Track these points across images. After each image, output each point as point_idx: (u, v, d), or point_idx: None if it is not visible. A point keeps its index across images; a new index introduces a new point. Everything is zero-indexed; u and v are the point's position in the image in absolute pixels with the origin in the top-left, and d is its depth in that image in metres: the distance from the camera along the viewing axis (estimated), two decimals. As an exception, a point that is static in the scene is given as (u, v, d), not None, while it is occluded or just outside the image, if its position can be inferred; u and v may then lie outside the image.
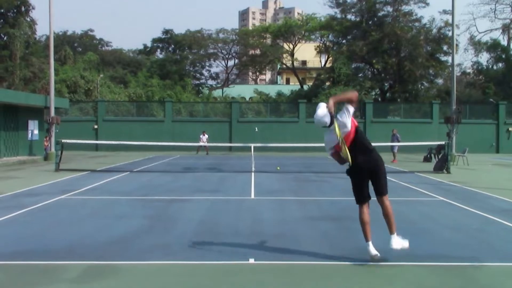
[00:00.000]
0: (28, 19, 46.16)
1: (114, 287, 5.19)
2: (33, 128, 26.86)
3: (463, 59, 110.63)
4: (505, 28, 56.47)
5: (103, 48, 68.57)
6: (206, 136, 32.79)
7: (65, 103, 30.92)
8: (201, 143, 31.25)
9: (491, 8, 56.63)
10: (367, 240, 6.10)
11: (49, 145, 26.09)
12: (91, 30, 68.32)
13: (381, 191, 6.07)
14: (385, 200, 6.08)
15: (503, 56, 55.10)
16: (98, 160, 25.30)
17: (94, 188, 13.65)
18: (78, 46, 65.84)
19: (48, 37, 26.72)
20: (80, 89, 45.55)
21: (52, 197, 11.59)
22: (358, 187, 6.12)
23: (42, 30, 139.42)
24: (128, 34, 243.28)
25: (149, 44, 69.29)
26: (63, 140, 19.80)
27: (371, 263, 6.13)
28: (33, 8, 46.08)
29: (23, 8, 45.01)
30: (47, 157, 25.04)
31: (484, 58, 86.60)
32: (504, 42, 56.62)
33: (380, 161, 6.11)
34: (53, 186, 14.04)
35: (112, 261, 6.13)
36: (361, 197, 6.12)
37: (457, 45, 43.97)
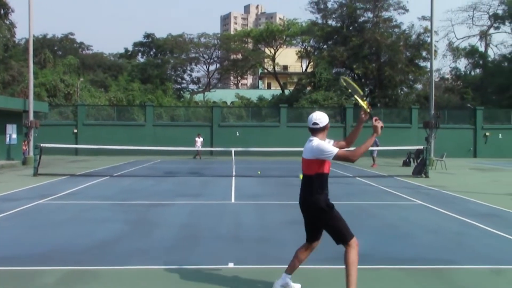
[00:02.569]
0: (7, 22, 45.43)
1: (93, 292, 5.16)
2: (12, 132, 26.48)
3: (442, 64, 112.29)
4: (483, 35, 57.53)
5: (84, 51, 67.88)
6: (201, 139, 32.78)
7: (44, 107, 30.55)
8: (196, 147, 31.19)
9: (469, 15, 57.69)
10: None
11: (27, 149, 25.77)
12: (72, 34, 67.53)
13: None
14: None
15: (481, 62, 56.10)
16: (78, 165, 25.04)
17: (74, 192, 13.52)
18: (58, 50, 65.10)
19: (27, 40, 26.40)
20: (59, 93, 45.01)
21: (31, 202, 11.45)
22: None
23: (21, 33, 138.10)
24: (109, 37, 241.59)
25: (130, 48, 68.83)
26: (42, 144, 19.56)
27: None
28: (13, 11, 45.35)
29: (2, 11, 44.34)
30: (26, 161, 24.70)
31: (462, 64, 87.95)
32: (481, 48, 57.71)
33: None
34: (31, 190, 13.86)
35: (91, 266, 6.09)
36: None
37: (436, 51, 44.74)
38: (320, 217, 4.85)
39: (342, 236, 4.82)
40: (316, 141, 4.77)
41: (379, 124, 4.72)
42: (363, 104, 5.01)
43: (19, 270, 5.91)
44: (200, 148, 30.88)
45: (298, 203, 5.02)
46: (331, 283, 5.60)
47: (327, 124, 4.90)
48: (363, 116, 4.94)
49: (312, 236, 5.11)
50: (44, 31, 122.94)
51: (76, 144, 34.23)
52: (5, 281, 5.52)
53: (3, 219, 9.34)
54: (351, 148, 4.83)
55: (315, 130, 4.88)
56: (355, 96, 5.17)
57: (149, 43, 66.40)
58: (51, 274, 5.73)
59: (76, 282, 5.48)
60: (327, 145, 4.70)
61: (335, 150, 4.63)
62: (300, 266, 6.11)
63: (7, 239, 7.64)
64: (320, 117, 4.90)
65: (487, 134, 38.31)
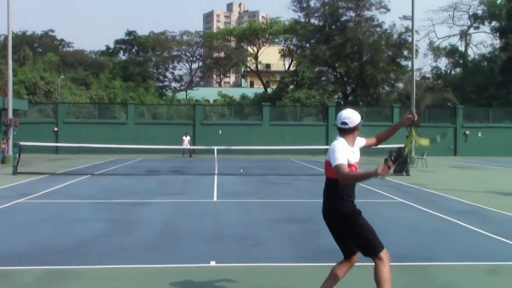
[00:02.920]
0: (-15, 18, 44.75)
1: (72, 292, 5.10)
2: (-10, 130, 26.06)
3: (423, 64, 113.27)
4: (463, 34, 58.27)
5: (64, 49, 67.06)
6: (188, 137, 32.86)
7: (23, 104, 30.14)
8: (184, 145, 31.27)
9: (449, 15, 58.37)
10: None
11: (6, 147, 25.37)
12: (52, 31, 66.68)
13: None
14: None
15: (461, 61, 56.84)
16: (58, 163, 24.75)
17: (54, 191, 13.36)
18: (38, 47, 64.24)
19: (6, 37, 26.01)
20: (39, 90, 44.43)
21: (9, 201, 11.28)
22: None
23: (0, 29, 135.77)
24: (90, 35, 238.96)
25: (111, 46, 68.27)
26: (21, 143, 19.30)
27: (332, 264, 6.20)
28: (-9, 7, 44.77)
29: (-20, 7, 43.63)
30: (5, 160, 24.33)
31: (443, 63, 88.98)
32: (462, 48, 58.45)
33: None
34: (10, 189, 13.67)
35: (71, 265, 6.02)
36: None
37: (417, 50, 45.23)
38: (346, 226, 4.21)
39: (371, 246, 4.23)
40: (335, 143, 4.16)
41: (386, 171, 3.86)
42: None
43: (-4, 270, 5.82)
44: (188, 147, 30.93)
45: (322, 212, 4.34)
46: (307, 280, 5.62)
47: (358, 124, 4.23)
48: (410, 119, 4.65)
49: (347, 250, 4.40)
50: (24, 27, 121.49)
51: (57, 142, 33.84)
52: (-18, 281, 5.44)
53: (-20, 218, 9.19)
54: (354, 152, 4.23)
55: (344, 131, 4.21)
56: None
57: (131, 41, 65.89)
58: (30, 274, 5.66)
59: (55, 281, 5.42)
60: (340, 152, 4.02)
61: (339, 161, 3.95)
62: (274, 264, 6.13)
63: (-15, 239, 7.52)
64: (350, 116, 4.21)
65: (467, 132, 38.84)
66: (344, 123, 4.20)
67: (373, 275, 4.21)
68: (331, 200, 4.24)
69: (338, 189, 4.18)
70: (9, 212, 9.94)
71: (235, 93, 63.62)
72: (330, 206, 4.24)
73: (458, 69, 58.16)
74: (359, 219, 4.25)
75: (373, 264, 4.25)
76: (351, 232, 4.22)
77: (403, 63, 49.47)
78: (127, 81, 54.75)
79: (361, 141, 4.42)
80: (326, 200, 4.29)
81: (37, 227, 8.51)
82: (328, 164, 4.17)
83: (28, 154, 24.46)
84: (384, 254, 4.23)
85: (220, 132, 36.66)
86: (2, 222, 8.94)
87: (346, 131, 4.20)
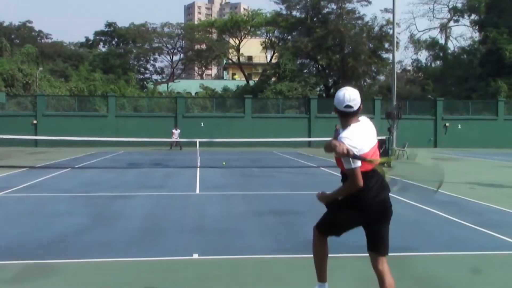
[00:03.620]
0: (-39, 9, 43.82)
1: (54, 287, 5.04)
2: (-33, 123, 25.60)
3: (404, 56, 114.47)
4: (443, 27, 58.87)
5: (43, 40, 66.04)
6: (179, 130, 32.73)
7: (1, 97, 29.66)
8: (173, 138, 31.17)
9: (429, 8, 59.16)
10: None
11: (-16, 141, 24.98)
12: (30, 22, 65.54)
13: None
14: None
15: (441, 54, 57.46)
16: (37, 157, 24.42)
17: (33, 185, 13.18)
18: (16, 38, 63.12)
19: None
20: (17, 82, 43.68)
21: (-12, 195, 11.11)
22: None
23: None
24: (69, 26, 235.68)
25: (91, 37, 67.43)
26: (-1, 136, 19.00)
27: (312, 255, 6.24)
28: (-34, -3, 43.79)
29: (-45, -3, 42.64)
30: (-17, 153, 23.94)
31: (424, 56, 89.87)
32: (442, 40, 59.07)
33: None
34: (-12, 183, 13.45)
35: (51, 259, 5.95)
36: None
37: (398, 43, 45.56)
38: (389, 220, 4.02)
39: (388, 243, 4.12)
40: (343, 134, 3.78)
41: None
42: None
43: (-25, 265, 5.73)
44: (178, 139, 30.84)
45: (390, 205, 4.00)
46: (289, 271, 5.64)
47: (361, 104, 3.83)
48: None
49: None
50: (0, 18, 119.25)
51: (36, 135, 33.38)
52: (-40, 277, 5.34)
53: (-42, 213, 9.03)
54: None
55: (348, 115, 3.77)
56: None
57: (111, 32, 65.16)
58: (9, 269, 5.58)
59: (35, 276, 5.35)
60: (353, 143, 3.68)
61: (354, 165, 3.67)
62: (256, 256, 6.13)
63: (-37, 234, 7.39)
64: (356, 97, 3.77)
65: (447, 124, 39.32)
66: (348, 106, 3.73)
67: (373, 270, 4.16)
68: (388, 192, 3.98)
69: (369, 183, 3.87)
70: (-13, 206, 9.78)
71: (217, 86, 63.41)
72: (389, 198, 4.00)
73: (438, 62, 58.81)
74: None
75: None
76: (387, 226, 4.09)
77: (384, 55, 49.85)
78: (108, 73, 54.16)
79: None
80: (388, 192, 3.97)
81: (16, 221, 8.39)
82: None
83: (6, 148, 24.11)
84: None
85: (202, 125, 36.54)
86: (-19, 217, 8.79)
87: (351, 115, 3.76)
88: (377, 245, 4.00)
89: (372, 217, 3.88)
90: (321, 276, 4.33)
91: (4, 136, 19.80)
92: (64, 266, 5.73)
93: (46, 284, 5.12)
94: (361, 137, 3.71)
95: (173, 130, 32.82)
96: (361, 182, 3.66)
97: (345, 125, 3.78)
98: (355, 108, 3.75)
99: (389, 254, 6.13)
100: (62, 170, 17.58)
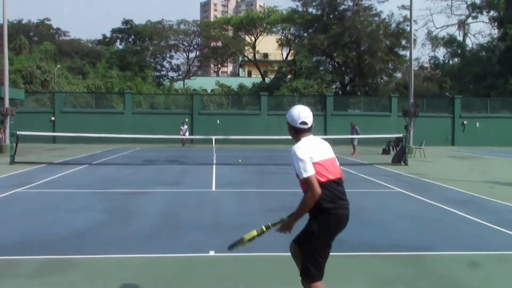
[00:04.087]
0: (-19, 7, 44.41)
1: (71, 282, 5.09)
2: (-13, 120, 25.95)
3: (421, 53, 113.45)
4: (461, 24, 58.16)
5: (60, 38, 66.68)
6: (186, 126, 32.86)
7: (20, 94, 30.04)
8: (182, 135, 31.33)
9: (447, 4, 58.47)
10: None
11: (3, 137, 25.27)
12: (48, 19, 66.27)
13: None
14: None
15: (459, 51, 56.75)
16: (55, 153, 24.70)
17: (51, 181, 13.33)
18: (34, 36, 63.83)
19: (1, 26, 25.80)
20: (36, 79, 44.22)
21: (7, 190, 11.25)
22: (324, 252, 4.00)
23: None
24: (87, 24, 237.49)
25: (108, 35, 67.91)
26: (18, 132, 19.22)
27: (330, 254, 6.21)
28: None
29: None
30: (2, 149, 24.24)
31: (441, 53, 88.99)
32: (460, 37, 58.36)
33: None
34: (8, 179, 13.63)
35: (69, 255, 6.01)
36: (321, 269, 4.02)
37: (415, 40, 45.04)
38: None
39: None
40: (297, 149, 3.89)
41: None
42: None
43: (-6, 260, 5.81)
44: (185, 136, 30.99)
45: (346, 217, 3.94)
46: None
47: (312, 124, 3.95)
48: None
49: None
50: (19, 16, 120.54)
51: (54, 132, 33.74)
52: (-20, 271, 5.42)
53: (-22, 208, 9.16)
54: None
55: (303, 131, 3.90)
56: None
57: (128, 30, 65.53)
58: (27, 264, 5.65)
59: (53, 271, 5.41)
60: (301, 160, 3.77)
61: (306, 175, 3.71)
62: (272, 254, 6.13)
63: (-17, 229, 7.50)
64: (309, 114, 3.91)
65: (465, 122, 38.85)
66: (303, 122, 3.86)
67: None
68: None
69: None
70: (7, 202, 9.92)
71: (233, 83, 63.41)
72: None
73: (456, 59, 58.09)
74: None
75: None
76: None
77: (401, 52, 49.38)
78: (124, 71, 54.49)
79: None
80: (347, 204, 3.94)
81: (35, 217, 8.49)
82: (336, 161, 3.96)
83: (25, 144, 24.39)
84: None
85: (218, 122, 36.60)
86: (1, 211, 8.91)
87: (304, 131, 3.88)
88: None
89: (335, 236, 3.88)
90: None
91: (23, 133, 20.02)
92: (81, 261, 5.79)
93: (63, 279, 5.17)
94: (313, 147, 3.79)
95: (181, 127, 32.86)
96: (319, 189, 3.64)
97: (297, 140, 3.88)
98: (309, 124, 3.87)
99: (408, 253, 6.08)
100: (80, 166, 17.75)
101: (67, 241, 6.74)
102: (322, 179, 3.70)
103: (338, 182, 3.82)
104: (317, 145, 3.85)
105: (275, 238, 7.01)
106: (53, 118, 36.00)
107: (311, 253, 3.83)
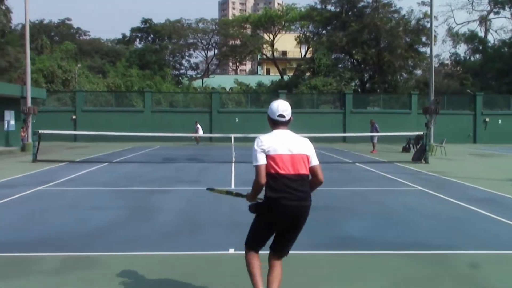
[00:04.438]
0: (3, 7, 45.09)
1: (92, 279, 5.14)
2: (10, 119, 26.39)
3: (441, 50, 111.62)
4: (482, 20, 57.22)
5: (81, 37, 67.50)
6: (198, 125, 33.05)
7: (42, 93, 30.43)
8: (197, 133, 31.52)
9: (468, 0, 57.37)
10: None
11: (26, 135, 25.71)
12: (68, 19, 67.14)
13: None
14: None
15: (480, 47, 55.86)
16: (76, 151, 24.99)
17: (72, 179, 13.49)
18: (55, 35, 64.71)
19: (24, 26, 26.20)
20: (57, 79, 44.81)
21: (29, 188, 11.42)
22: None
23: (17, 18, 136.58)
24: (106, 23, 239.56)
25: (127, 34, 68.49)
26: (40, 131, 19.50)
27: (349, 252, 6.18)
28: (8, -4, 45.08)
29: (-3, -4, 43.96)
30: (24, 148, 24.64)
31: (462, 49, 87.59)
32: (481, 33, 57.42)
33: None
34: (30, 177, 13.84)
35: (90, 252, 6.07)
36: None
37: (435, 36, 44.46)
38: (303, 223, 4.26)
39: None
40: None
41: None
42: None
43: (18, 256, 5.90)
44: (200, 134, 31.09)
45: (301, 209, 4.17)
46: (326, 268, 5.59)
47: (291, 117, 4.29)
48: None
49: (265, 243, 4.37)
50: (41, 16, 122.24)
51: (75, 130, 34.14)
52: (4, 266, 5.51)
53: (2, 205, 9.32)
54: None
55: (281, 124, 4.22)
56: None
57: (147, 29, 66.02)
58: (48, 261, 5.72)
59: (74, 268, 5.47)
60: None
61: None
62: (292, 252, 6.12)
63: (7, 225, 7.62)
64: (287, 108, 4.25)
65: (487, 119, 38.27)
66: (281, 115, 4.17)
67: (274, 271, 4.28)
68: (310, 196, 4.21)
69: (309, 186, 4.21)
70: (29, 199, 10.07)
71: (251, 81, 63.44)
72: (310, 202, 4.21)
73: (477, 55, 57.20)
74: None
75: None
76: (300, 230, 4.27)
77: (421, 49, 48.81)
78: (144, 69, 54.93)
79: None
80: (308, 196, 4.19)
81: (56, 214, 8.60)
82: (306, 159, 4.13)
83: (47, 142, 24.74)
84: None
85: (237, 120, 36.64)
86: (23, 209, 9.05)
87: (282, 124, 4.19)
88: (283, 249, 4.30)
89: (283, 223, 4.12)
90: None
91: (45, 131, 20.30)
92: (102, 258, 5.84)
93: (84, 276, 5.22)
94: (274, 142, 4.05)
95: (198, 125, 32.98)
96: (262, 179, 4.01)
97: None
98: (287, 118, 4.20)
99: (430, 252, 6.01)
100: (101, 164, 17.93)
101: (88, 238, 6.81)
102: (272, 171, 4.00)
103: (290, 178, 3.99)
104: (281, 140, 4.08)
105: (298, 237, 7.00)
106: (74, 117, 36.43)
107: (253, 224, 4.29)
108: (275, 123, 4.20)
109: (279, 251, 4.28)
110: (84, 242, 6.57)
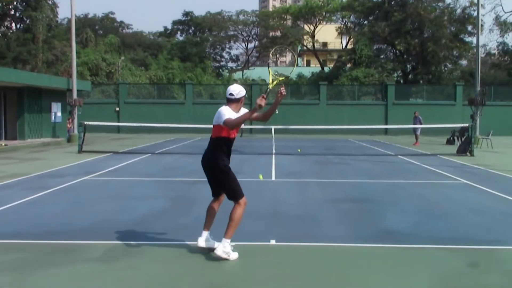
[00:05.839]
0: (50, 2, 46.38)
1: (137, 267, 5.24)
2: (56, 111, 27.18)
3: (488, 39, 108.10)
4: (533, 8, 54.95)
5: (124, 30, 68.67)
6: None
7: (87, 85, 31.19)
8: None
9: (518, -13, 55.14)
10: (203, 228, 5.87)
11: (72, 127, 26.45)
12: (112, 13, 68.37)
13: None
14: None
15: (530, 36, 53.74)
16: (120, 142, 25.54)
17: (117, 169, 13.79)
18: (99, 29, 66.07)
19: (69, 20, 26.86)
20: (101, 71, 45.85)
21: (76, 178, 11.74)
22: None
23: (63, 13, 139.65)
24: (149, 16, 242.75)
25: (169, 27, 69.21)
26: (85, 122, 20.01)
27: (393, 245, 6.09)
28: (55, -9, 46.27)
29: (44, -9, 45.22)
30: (70, 139, 25.38)
31: (510, 38, 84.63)
32: (531, 22, 55.18)
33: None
34: (76, 167, 14.22)
35: (134, 241, 6.19)
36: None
37: (482, 25, 42.99)
38: (218, 176, 5.60)
39: (234, 194, 5.61)
40: (221, 108, 5.39)
41: (258, 101, 5.27)
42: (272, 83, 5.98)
43: (66, 244, 6.07)
44: (242, 126, 31.19)
45: (201, 162, 5.70)
46: (366, 261, 5.51)
47: (242, 97, 5.51)
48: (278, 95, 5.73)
49: (216, 191, 5.84)
50: (85, 10, 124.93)
51: (118, 122, 34.89)
52: (53, 254, 5.68)
53: (50, 194, 9.62)
54: (237, 115, 5.39)
55: (230, 101, 5.45)
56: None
57: (188, 21, 66.54)
58: (95, 249, 5.86)
59: (119, 256, 5.59)
60: (226, 112, 5.29)
61: (226, 117, 5.24)
62: (332, 244, 6.08)
63: (54, 214, 7.86)
64: (236, 89, 5.49)
65: (536, 111, 36.86)
66: (231, 94, 5.46)
67: (230, 213, 5.59)
68: (211, 154, 5.58)
69: (218, 147, 5.53)
70: (76, 189, 10.35)
71: (292, 73, 63.07)
72: (209, 159, 5.60)
73: (527, 45, 55.04)
74: (230, 173, 5.59)
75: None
76: (222, 181, 5.60)
77: (467, 39, 47.36)
78: (185, 62, 55.47)
79: (244, 111, 5.50)
80: (207, 154, 5.63)
81: (102, 204, 8.81)
82: (215, 127, 5.44)
83: (92, 133, 25.36)
84: (242, 200, 5.64)
85: (277, 112, 36.31)
86: (70, 198, 9.32)
87: (232, 101, 5.45)
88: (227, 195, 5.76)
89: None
90: (206, 226, 5.91)
91: (90, 123, 20.82)
92: (146, 248, 5.95)
93: (128, 264, 5.32)
94: (232, 114, 5.34)
95: None
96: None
97: (228, 107, 5.41)
98: (236, 96, 5.47)
99: (476, 246, 5.86)
100: (143, 155, 18.26)
101: (133, 227, 6.94)
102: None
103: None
104: (234, 113, 5.37)
105: (334, 230, 6.95)
106: (117, 109, 37.20)
107: (233, 179, 5.79)
108: (228, 101, 5.48)
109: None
110: (129, 231, 6.70)
